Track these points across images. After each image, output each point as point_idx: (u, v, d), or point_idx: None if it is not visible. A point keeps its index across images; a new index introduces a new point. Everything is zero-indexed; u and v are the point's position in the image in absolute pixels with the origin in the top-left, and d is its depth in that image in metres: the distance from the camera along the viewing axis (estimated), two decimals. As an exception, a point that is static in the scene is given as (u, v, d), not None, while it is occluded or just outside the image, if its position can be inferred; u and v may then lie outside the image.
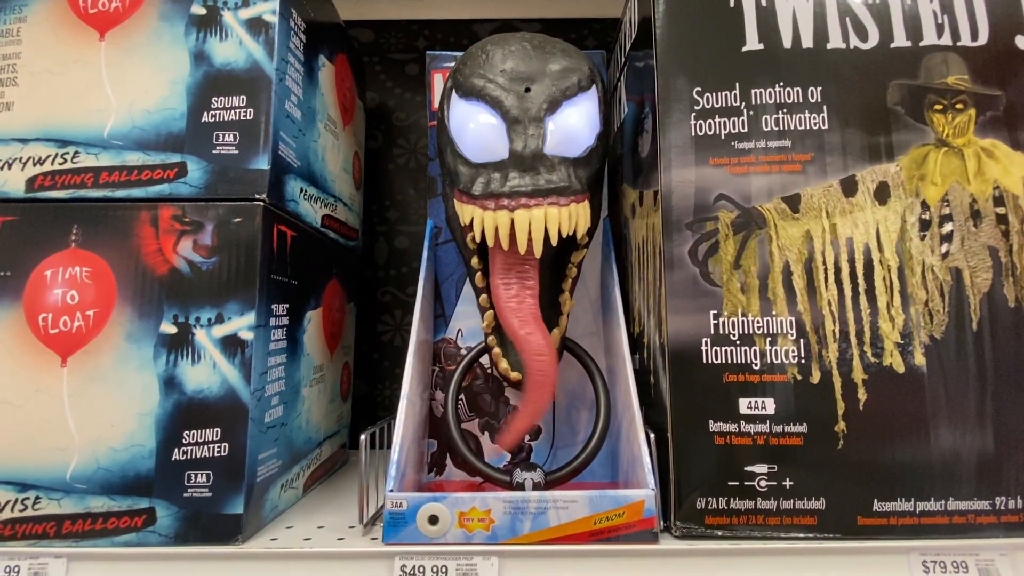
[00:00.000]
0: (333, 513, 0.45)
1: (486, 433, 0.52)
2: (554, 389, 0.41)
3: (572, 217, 0.40)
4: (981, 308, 0.37)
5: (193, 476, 0.37)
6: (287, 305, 0.44)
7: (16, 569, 0.36)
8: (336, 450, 0.59)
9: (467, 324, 0.54)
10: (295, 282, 0.46)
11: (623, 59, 0.53)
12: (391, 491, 0.36)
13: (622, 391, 0.44)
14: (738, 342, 0.38)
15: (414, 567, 0.35)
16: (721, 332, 0.38)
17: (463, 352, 0.52)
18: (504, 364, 0.46)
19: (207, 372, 0.38)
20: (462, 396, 0.52)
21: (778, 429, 0.37)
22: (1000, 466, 0.36)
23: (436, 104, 0.55)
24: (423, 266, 0.50)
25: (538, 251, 0.40)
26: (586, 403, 0.52)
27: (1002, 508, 0.36)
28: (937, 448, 0.36)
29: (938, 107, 0.39)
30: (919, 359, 0.37)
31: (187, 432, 0.37)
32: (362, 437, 0.39)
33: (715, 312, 0.38)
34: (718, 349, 0.38)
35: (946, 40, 0.40)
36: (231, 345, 0.38)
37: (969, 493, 0.36)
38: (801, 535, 0.36)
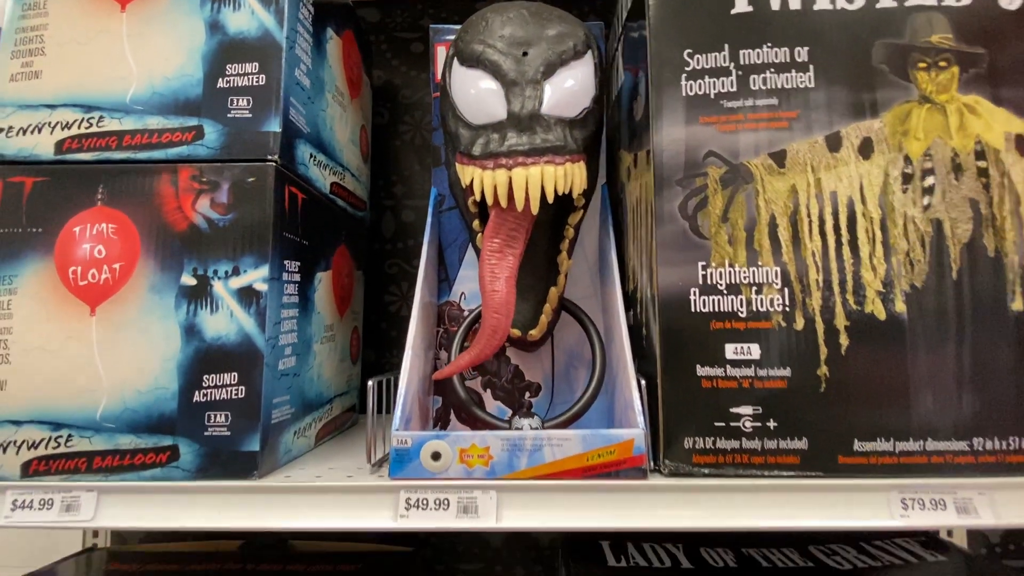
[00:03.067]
0: (343, 459, 0.47)
1: (488, 391, 0.54)
2: (503, 342, 0.42)
3: (568, 176, 0.42)
4: (961, 257, 0.39)
5: (213, 416, 0.40)
6: (299, 263, 0.47)
7: (50, 502, 0.39)
8: (345, 410, 0.61)
9: (470, 288, 0.56)
10: (306, 242, 0.48)
11: (620, 30, 0.55)
12: (397, 430, 0.39)
13: (617, 346, 0.46)
14: (725, 291, 0.39)
15: (418, 499, 0.38)
16: (709, 282, 0.40)
17: (466, 314, 0.55)
18: (504, 321, 0.48)
19: (225, 321, 0.41)
20: (465, 354, 0.55)
21: (763, 373, 0.39)
22: (977, 408, 0.38)
23: (440, 75, 0.57)
24: (427, 231, 0.53)
25: (535, 208, 0.42)
26: (584, 362, 0.54)
27: (979, 449, 0.38)
28: (916, 390, 0.38)
29: (922, 65, 0.40)
30: (900, 306, 0.38)
31: (207, 376, 0.40)
32: (370, 383, 0.41)
33: (703, 263, 0.40)
34: (706, 298, 0.39)
35: (931, 0, 0.41)
36: (247, 296, 0.41)
37: (947, 434, 0.38)
38: (784, 474, 0.38)
